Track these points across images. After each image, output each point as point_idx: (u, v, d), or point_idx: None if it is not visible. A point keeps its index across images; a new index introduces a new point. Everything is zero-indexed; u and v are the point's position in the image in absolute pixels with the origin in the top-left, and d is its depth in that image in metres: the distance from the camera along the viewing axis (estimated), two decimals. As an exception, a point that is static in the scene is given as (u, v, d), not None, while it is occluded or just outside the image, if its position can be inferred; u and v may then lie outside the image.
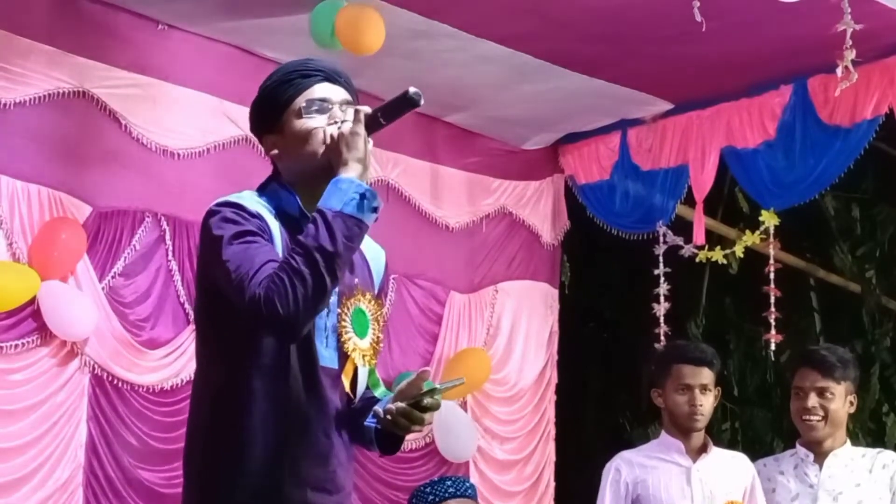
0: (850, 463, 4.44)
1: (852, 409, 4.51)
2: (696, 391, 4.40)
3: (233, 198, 2.54)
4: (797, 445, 4.51)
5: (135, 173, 5.06)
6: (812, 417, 4.39)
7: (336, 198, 2.42)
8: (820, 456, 4.44)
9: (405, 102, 2.50)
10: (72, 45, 4.89)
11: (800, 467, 4.47)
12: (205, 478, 2.53)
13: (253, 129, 2.71)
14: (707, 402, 4.43)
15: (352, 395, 2.61)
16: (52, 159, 4.82)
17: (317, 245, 2.37)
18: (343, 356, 2.57)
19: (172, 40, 5.19)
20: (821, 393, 4.38)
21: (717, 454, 4.53)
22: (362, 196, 2.42)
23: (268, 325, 2.41)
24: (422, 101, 2.48)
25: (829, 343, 4.61)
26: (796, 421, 4.46)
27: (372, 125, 2.51)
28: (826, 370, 4.39)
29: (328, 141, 2.53)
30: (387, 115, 2.52)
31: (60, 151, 4.85)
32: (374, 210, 2.44)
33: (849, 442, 4.52)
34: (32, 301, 4.69)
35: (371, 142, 2.51)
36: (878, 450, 4.60)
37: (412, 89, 2.48)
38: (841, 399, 4.40)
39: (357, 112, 2.51)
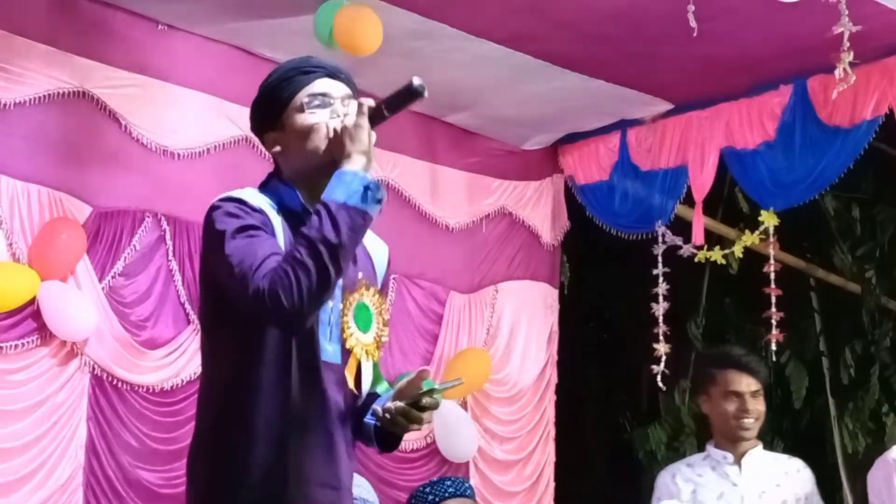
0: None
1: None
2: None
3: (235, 193, 2.53)
4: (709, 448, 4.50)
5: (135, 173, 5.06)
6: (748, 419, 4.40)
7: (340, 189, 2.41)
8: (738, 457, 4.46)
9: (409, 94, 2.48)
10: (72, 45, 4.89)
11: (718, 469, 4.46)
12: (210, 475, 2.52)
13: (253, 127, 2.69)
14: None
15: (356, 391, 2.61)
16: (52, 159, 4.82)
17: (321, 237, 2.36)
18: (346, 351, 2.56)
19: (172, 40, 5.19)
20: (755, 395, 4.41)
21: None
22: (367, 188, 2.41)
23: (272, 318, 2.40)
24: (426, 93, 2.46)
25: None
26: (729, 423, 4.40)
27: (375, 117, 2.50)
28: (756, 373, 4.43)
29: (331, 135, 2.52)
30: (391, 106, 2.50)
31: (60, 151, 4.85)
32: (379, 202, 2.43)
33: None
34: (32, 301, 4.69)
35: (374, 134, 2.50)
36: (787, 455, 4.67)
37: (416, 80, 2.47)
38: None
39: (360, 105, 2.50)
